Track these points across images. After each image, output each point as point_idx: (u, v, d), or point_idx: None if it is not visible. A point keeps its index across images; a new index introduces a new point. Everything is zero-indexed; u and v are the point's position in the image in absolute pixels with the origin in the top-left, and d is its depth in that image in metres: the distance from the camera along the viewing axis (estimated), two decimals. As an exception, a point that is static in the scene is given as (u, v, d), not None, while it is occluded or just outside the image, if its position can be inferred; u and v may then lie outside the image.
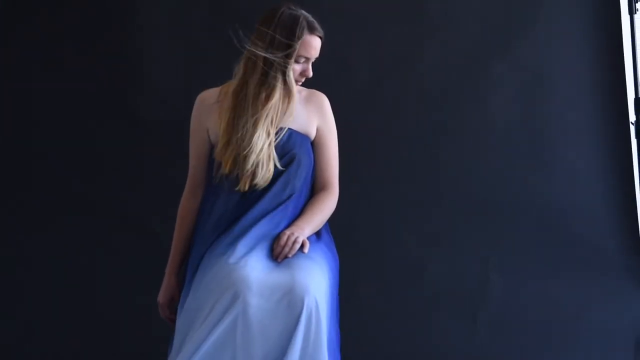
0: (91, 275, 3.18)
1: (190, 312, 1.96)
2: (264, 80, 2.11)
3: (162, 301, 2.23)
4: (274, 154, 2.10)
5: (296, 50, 2.12)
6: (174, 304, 2.19)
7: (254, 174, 2.09)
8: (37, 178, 3.27)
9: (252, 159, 2.08)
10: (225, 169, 2.10)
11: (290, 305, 1.85)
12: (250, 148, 2.08)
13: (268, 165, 2.10)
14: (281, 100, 2.13)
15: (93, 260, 3.19)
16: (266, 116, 2.10)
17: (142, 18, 3.28)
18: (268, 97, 2.10)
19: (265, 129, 2.10)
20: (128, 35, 3.28)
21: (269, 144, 2.10)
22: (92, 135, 3.25)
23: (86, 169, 3.25)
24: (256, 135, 2.08)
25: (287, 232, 2.04)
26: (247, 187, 2.10)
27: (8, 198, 3.27)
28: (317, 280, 1.92)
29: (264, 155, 2.09)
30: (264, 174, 2.09)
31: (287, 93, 2.14)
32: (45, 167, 3.27)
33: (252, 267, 1.91)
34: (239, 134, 2.08)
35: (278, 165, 2.11)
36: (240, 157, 2.08)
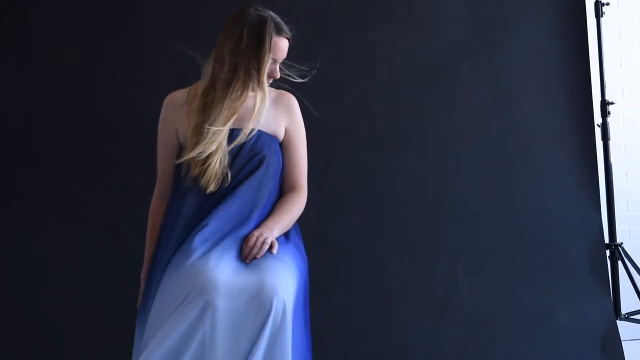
0: (64, 277, 3.13)
1: (156, 316, 1.94)
2: (232, 81, 2.10)
3: None
4: (242, 155, 2.11)
5: (268, 53, 2.12)
6: None
7: (222, 175, 2.09)
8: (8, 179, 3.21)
9: (221, 160, 2.08)
10: (194, 171, 2.09)
11: (259, 306, 1.84)
12: (219, 149, 2.08)
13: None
14: (251, 101, 2.13)
15: (64, 261, 3.13)
16: (235, 117, 2.09)
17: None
18: (237, 98, 2.10)
19: (234, 130, 2.10)
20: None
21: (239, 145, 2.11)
22: (66, 137, 3.20)
23: (57, 170, 3.19)
24: (225, 136, 2.08)
25: (256, 233, 2.03)
26: (215, 188, 2.09)
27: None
28: (285, 282, 1.92)
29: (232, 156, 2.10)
30: (232, 175, 2.10)
31: (260, 94, 2.14)
32: (18, 168, 3.20)
33: (220, 269, 1.89)
34: (208, 135, 2.07)
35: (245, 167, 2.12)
36: (208, 158, 2.07)
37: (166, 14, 3.24)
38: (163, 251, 2.06)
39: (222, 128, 2.07)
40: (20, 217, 3.15)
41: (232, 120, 2.09)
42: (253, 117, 2.12)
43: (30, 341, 3.06)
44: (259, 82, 2.12)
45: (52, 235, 3.12)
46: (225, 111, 2.08)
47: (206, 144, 2.06)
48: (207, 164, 2.07)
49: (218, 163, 2.07)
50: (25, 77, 3.20)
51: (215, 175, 2.08)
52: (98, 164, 3.17)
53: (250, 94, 2.14)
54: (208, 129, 2.06)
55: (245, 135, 2.11)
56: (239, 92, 2.10)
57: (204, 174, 2.07)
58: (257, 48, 2.11)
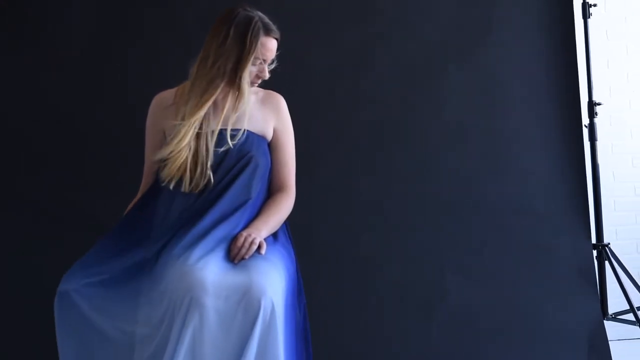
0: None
1: (151, 321, 1.94)
2: (215, 81, 2.11)
3: None
4: (230, 156, 2.13)
5: (251, 52, 2.12)
6: None
7: (201, 176, 2.10)
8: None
9: (206, 160, 2.10)
10: (170, 169, 2.10)
11: (247, 307, 1.85)
12: (203, 149, 2.10)
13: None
14: (232, 101, 2.15)
15: (64, 261, 3.08)
16: (203, 111, 2.10)
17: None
18: (211, 94, 2.11)
19: (216, 130, 2.12)
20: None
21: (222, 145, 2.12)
22: (66, 137, 3.21)
23: (57, 170, 3.19)
24: (208, 136, 2.11)
25: (244, 233, 2.04)
26: (201, 188, 2.11)
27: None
28: (273, 282, 1.92)
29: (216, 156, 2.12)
30: (221, 176, 2.12)
31: (238, 94, 2.14)
32: (18, 168, 3.20)
33: (209, 269, 1.90)
34: (180, 132, 2.08)
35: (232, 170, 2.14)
36: (194, 158, 2.09)
37: (166, 14, 3.24)
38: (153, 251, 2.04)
39: (190, 121, 2.07)
40: (20, 217, 3.14)
41: (200, 114, 2.09)
42: (247, 117, 2.14)
43: (30, 341, 3.03)
44: (240, 83, 2.12)
45: (52, 235, 3.11)
46: (194, 104, 2.09)
47: (178, 141, 2.07)
48: (178, 162, 2.08)
49: (191, 161, 2.09)
50: (25, 77, 3.20)
51: (190, 173, 2.09)
52: (98, 164, 3.16)
53: (231, 92, 2.15)
54: (180, 123, 2.08)
55: (237, 136, 2.13)
56: (214, 89, 2.10)
57: (197, 175, 2.09)
58: (240, 47, 2.12)
